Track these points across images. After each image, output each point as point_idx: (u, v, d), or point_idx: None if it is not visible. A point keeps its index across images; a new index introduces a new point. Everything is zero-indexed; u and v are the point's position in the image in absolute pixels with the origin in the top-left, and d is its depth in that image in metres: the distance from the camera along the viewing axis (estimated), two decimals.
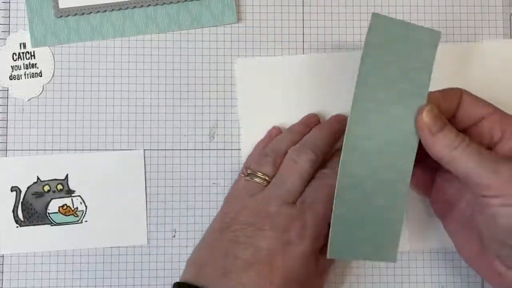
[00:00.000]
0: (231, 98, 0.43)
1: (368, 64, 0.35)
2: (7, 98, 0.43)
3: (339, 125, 0.41)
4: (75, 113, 0.43)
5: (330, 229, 0.35)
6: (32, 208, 0.42)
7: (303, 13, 0.44)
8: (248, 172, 0.39)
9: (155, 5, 0.43)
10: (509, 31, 0.44)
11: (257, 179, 0.38)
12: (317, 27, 0.44)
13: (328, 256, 0.35)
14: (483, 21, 0.44)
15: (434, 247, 0.43)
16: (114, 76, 0.43)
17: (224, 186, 0.43)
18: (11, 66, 0.43)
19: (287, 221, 0.36)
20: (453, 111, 0.36)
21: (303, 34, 0.44)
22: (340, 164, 0.35)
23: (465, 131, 0.36)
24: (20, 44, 0.43)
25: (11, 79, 0.43)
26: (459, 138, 0.34)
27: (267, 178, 0.38)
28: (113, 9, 0.43)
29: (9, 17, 0.43)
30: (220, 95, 0.43)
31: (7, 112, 0.43)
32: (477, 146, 0.34)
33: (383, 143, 0.35)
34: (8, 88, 0.43)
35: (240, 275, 0.35)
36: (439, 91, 0.37)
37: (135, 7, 0.43)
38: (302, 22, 0.44)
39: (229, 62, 0.43)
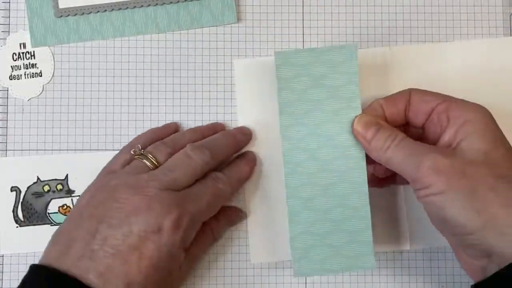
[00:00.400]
0: (231, 98, 0.43)
1: (285, 97, 0.38)
2: (7, 98, 0.43)
3: (243, 137, 0.42)
4: (75, 113, 0.43)
5: (291, 251, 0.38)
6: (32, 208, 0.42)
7: (303, 13, 0.44)
8: (142, 152, 0.39)
9: (155, 5, 0.43)
10: (509, 31, 0.44)
11: (147, 162, 0.38)
12: (317, 27, 0.44)
13: (294, 275, 0.38)
14: (483, 21, 0.44)
15: (434, 246, 0.43)
16: (114, 76, 0.43)
17: None
18: (11, 66, 0.43)
19: (165, 207, 0.35)
20: (403, 112, 0.37)
21: (303, 34, 0.44)
22: (286, 189, 0.38)
23: (423, 128, 0.37)
24: (20, 44, 0.43)
25: (11, 79, 0.43)
26: (391, 138, 0.35)
27: (156, 164, 0.38)
28: (113, 9, 0.43)
29: (9, 17, 0.43)
30: (220, 95, 0.43)
31: (7, 112, 0.43)
32: (408, 142, 0.35)
33: (327, 162, 0.38)
34: (8, 88, 0.43)
35: (107, 260, 0.34)
36: (385, 97, 0.38)
37: (135, 7, 0.43)
38: (302, 22, 0.44)
39: (229, 62, 0.43)
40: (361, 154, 0.38)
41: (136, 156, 0.38)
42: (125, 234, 0.34)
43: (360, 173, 0.38)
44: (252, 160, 0.42)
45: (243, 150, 0.43)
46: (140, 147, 0.39)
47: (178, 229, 0.35)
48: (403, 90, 0.38)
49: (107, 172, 0.39)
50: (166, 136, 0.41)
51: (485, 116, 0.35)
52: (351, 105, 0.38)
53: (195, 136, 0.41)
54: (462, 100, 0.36)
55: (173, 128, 0.42)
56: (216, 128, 0.42)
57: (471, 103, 0.36)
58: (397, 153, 0.35)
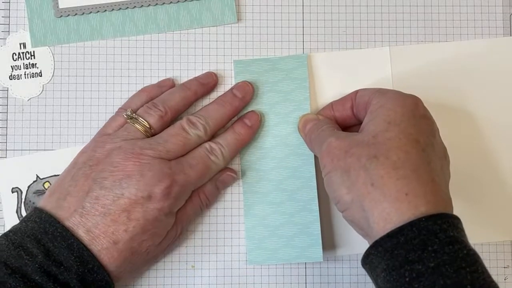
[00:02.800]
0: None
1: None
2: (7, 98, 0.43)
3: (240, 102, 0.41)
4: (75, 113, 0.43)
5: (246, 241, 0.42)
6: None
7: (303, 13, 0.44)
8: (133, 115, 0.39)
9: (155, 5, 0.43)
10: (509, 31, 0.44)
11: (138, 126, 0.38)
12: (317, 27, 0.44)
13: (248, 263, 0.42)
14: (483, 21, 0.44)
15: None
16: (114, 76, 0.43)
17: None
18: (11, 66, 0.43)
19: (156, 176, 0.36)
20: (350, 110, 0.40)
21: (303, 34, 0.44)
22: (242, 185, 0.42)
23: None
24: (20, 44, 0.43)
25: (11, 79, 0.43)
26: (317, 127, 0.39)
27: (147, 127, 0.38)
28: (113, 9, 0.43)
29: (9, 17, 0.43)
30: (219, 95, 0.43)
31: (7, 112, 0.43)
32: (326, 130, 0.38)
33: (281, 159, 0.42)
34: (8, 88, 0.43)
35: (96, 218, 0.36)
36: (335, 100, 0.41)
37: (135, 7, 0.43)
38: (302, 22, 0.44)
39: (229, 62, 0.43)
40: (310, 152, 0.41)
41: (128, 120, 0.39)
42: (116, 196, 0.36)
43: (309, 169, 0.42)
44: (256, 121, 0.42)
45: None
46: (132, 111, 0.39)
47: (168, 197, 0.37)
48: (351, 92, 0.40)
49: (102, 134, 0.40)
50: (158, 94, 0.41)
51: (405, 104, 0.35)
52: (301, 107, 0.42)
53: (186, 95, 0.41)
54: (393, 90, 0.37)
55: (168, 86, 0.42)
56: (208, 81, 0.42)
57: (400, 93, 0.37)
58: (315, 141, 0.38)
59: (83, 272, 0.34)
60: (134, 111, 0.40)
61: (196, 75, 0.43)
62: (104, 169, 0.37)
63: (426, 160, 0.33)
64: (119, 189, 0.36)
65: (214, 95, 0.43)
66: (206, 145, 0.39)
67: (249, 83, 0.42)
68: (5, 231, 0.42)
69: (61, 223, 0.35)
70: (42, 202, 0.38)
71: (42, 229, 0.35)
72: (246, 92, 0.42)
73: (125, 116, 0.39)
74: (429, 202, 0.32)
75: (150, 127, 0.39)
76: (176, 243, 0.41)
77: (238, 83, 0.42)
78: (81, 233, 0.35)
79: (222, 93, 0.43)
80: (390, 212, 0.32)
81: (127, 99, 0.42)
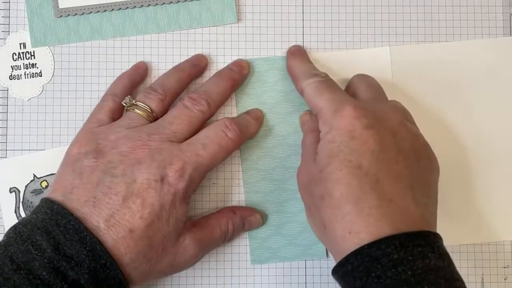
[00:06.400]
0: (231, 98, 0.43)
1: (242, 101, 0.42)
2: (7, 98, 0.43)
3: (238, 74, 0.41)
4: (75, 113, 0.43)
5: (249, 241, 0.42)
6: (33, 206, 0.42)
7: (303, 13, 0.44)
8: (132, 102, 0.39)
9: (155, 5, 0.43)
10: (509, 31, 0.44)
11: (140, 111, 0.38)
12: (317, 27, 0.44)
13: (251, 263, 0.42)
14: (483, 21, 0.44)
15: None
16: (114, 76, 0.43)
17: (224, 186, 0.43)
18: (11, 66, 0.43)
19: (167, 159, 0.36)
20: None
21: (303, 34, 0.44)
22: (244, 185, 0.42)
23: None
24: (20, 44, 0.43)
25: (11, 79, 0.43)
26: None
27: (149, 111, 0.38)
28: (113, 9, 0.43)
29: (9, 17, 0.43)
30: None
31: (7, 112, 0.43)
32: (302, 146, 0.40)
33: (282, 159, 0.42)
34: (8, 88, 0.43)
35: (110, 206, 0.35)
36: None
37: (135, 7, 0.43)
38: (302, 22, 0.44)
39: (229, 62, 0.43)
40: None
41: (128, 107, 0.39)
42: (128, 182, 0.35)
43: None
44: (259, 117, 0.42)
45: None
46: (130, 98, 0.39)
47: (181, 179, 0.36)
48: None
49: (95, 122, 0.39)
50: (140, 77, 0.42)
51: (341, 127, 0.34)
52: (301, 107, 0.42)
53: (181, 76, 0.41)
54: (329, 110, 0.36)
55: (143, 68, 0.42)
56: (199, 62, 0.42)
57: (336, 115, 0.35)
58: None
59: (95, 267, 0.33)
60: (119, 97, 0.39)
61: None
62: (112, 160, 0.36)
63: (371, 184, 0.32)
64: (130, 175, 0.35)
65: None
66: (225, 121, 0.38)
67: (245, 60, 0.42)
68: (4, 231, 0.42)
69: (74, 215, 0.34)
70: (49, 197, 0.36)
71: (54, 221, 0.34)
72: (243, 66, 0.42)
73: (124, 104, 0.39)
74: (372, 233, 0.31)
75: (152, 111, 0.38)
76: (192, 266, 0.39)
77: (234, 60, 0.42)
78: (94, 223, 0.34)
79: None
80: (339, 249, 0.33)
81: (108, 88, 0.41)
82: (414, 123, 0.37)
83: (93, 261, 0.33)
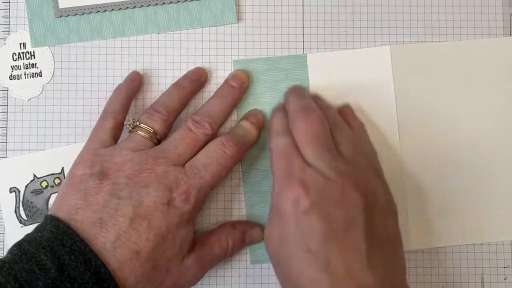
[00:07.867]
0: None
1: (242, 101, 0.43)
2: (7, 98, 0.43)
3: (239, 91, 0.42)
4: (75, 113, 0.43)
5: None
6: (33, 206, 0.42)
7: (303, 13, 0.44)
8: (136, 124, 0.39)
9: (155, 5, 0.43)
10: (509, 31, 0.44)
11: (142, 133, 0.38)
12: (317, 27, 0.44)
13: (251, 263, 0.42)
14: (483, 21, 0.44)
15: (434, 246, 0.43)
16: (114, 76, 0.43)
17: (224, 186, 0.43)
18: (11, 66, 0.43)
19: (173, 182, 0.36)
20: None
21: (303, 34, 0.44)
22: (243, 185, 0.42)
23: None
24: (20, 44, 0.43)
25: (11, 79, 0.43)
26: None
27: (152, 133, 0.38)
28: (113, 9, 0.43)
29: (9, 17, 0.43)
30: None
31: (7, 112, 0.43)
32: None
33: None
34: (8, 88, 0.43)
35: (117, 228, 0.35)
36: None
37: (135, 7, 0.43)
38: (302, 22, 0.44)
39: (229, 62, 0.43)
40: None
41: (131, 129, 0.39)
42: (135, 205, 0.35)
43: None
44: (259, 120, 0.42)
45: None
46: (134, 119, 0.39)
47: (187, 201, 0.36)
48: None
49: (98, 143, 0.39)
50: (136, 89, 0.42)
51: (286, 207, 0.36)
52: None
53: (182, 94, 0.41)
54: (279, 183, 0.37)
55: (138, 80, 0.42)
56: (199, 77, 0.42)
57: (280, 197, 0.37)
58: None
59: None
60: (120, 114, 0.39)
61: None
62: (117, 182, 0.36)
63: (323, 266, 0.33)
64: (137, 198, 0.35)
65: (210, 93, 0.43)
66: (220, 140, 0.39)
67: (244, 70, 0.42)
68: (4, 231, 0.42)
69: (79, 237, 0.34)
70: (54, 214, 0.36)
71: (59, 241, 0.33)
72: (243, 81, 0.42)
73: (127, 125, 0.39)
74: None
75: (155, 133, 0.39)
76: (194, 285, 0.39)
77: (232, 72, 0.42)
78: (100, 244, 0.34)
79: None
80: None
81: (105, 105, 0.41)
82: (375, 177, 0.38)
83: (96, 284, 0.33)
